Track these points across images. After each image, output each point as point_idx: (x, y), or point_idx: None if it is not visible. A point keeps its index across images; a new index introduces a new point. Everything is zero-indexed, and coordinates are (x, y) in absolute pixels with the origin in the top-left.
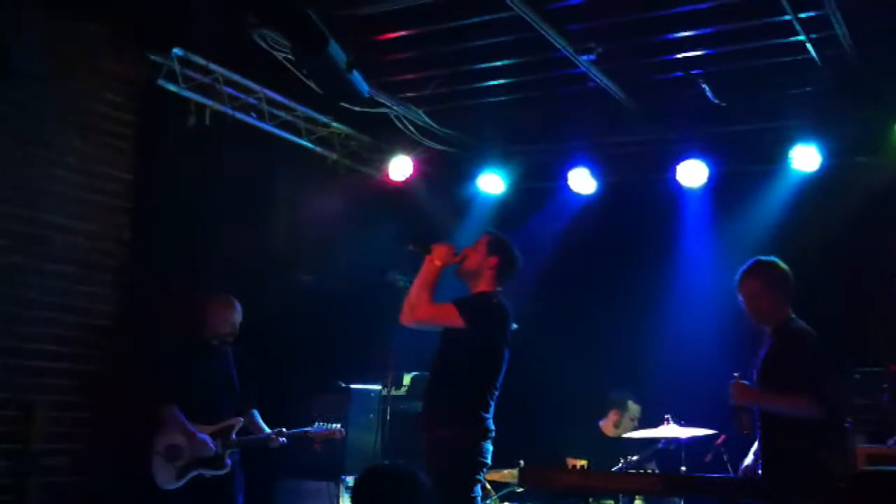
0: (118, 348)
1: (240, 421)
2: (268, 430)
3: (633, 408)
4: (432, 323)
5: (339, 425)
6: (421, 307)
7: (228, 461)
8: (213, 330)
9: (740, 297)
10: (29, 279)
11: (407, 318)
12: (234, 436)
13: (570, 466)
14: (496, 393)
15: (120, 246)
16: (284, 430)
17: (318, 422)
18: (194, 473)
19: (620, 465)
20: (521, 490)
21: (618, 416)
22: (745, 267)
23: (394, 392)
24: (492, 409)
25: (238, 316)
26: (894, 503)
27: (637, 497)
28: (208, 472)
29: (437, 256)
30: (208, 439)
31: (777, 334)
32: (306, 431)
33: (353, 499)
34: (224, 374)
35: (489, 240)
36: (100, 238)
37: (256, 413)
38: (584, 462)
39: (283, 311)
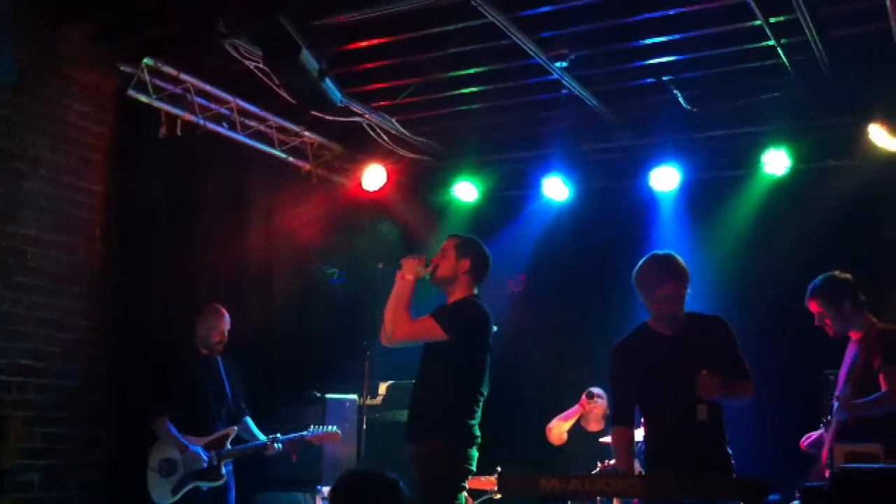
0: (93, 362)
1: (233, 430)
2: (263, 437)
3: (591, 393)
4: (414, 341)
5: (335, 427)
6: (399, 327)
7: (224, 472)
8: (202, 339)
9: (677, 294)
10: (2, 292)
11: (386, 339)
12: (228, 446)
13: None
14: (482, 399)
15: (93, 258)
16: (279, 435)
17: (313, 425)
18: (190, 486)
19: (599, 469)
20: (498, 497)
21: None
22: (669, 266)
23: (369, 401)
24: (478, 416)
25: (226, 323)
26: (874, 501)
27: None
28: (204, 485)
29: (408, 271)
30: (201, 451)
31: (697, 327)
32: (302, 436)
33: (333, 501)
34: (215, 384)
35: (456, 243)
36: (73, 251)
37: (249, 420)
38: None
39: (257, 322)
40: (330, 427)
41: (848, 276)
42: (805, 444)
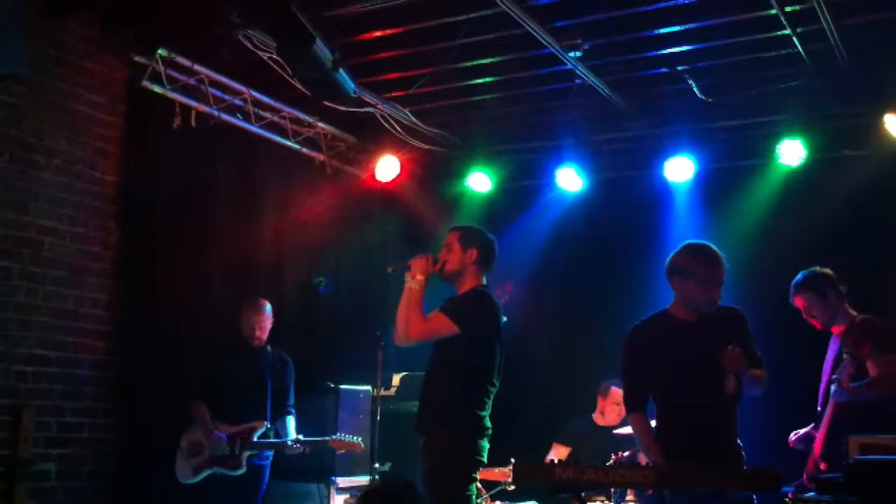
0: (107, 352)
1: (263, 423)
2: (291, 436)
3: (616, 392)
4: (429, 339)
5: (360, 438)
6: (413, 326)
7: (245, 463)
8: (241, 331)
9: (723, 280)
10: (17, 283)
11: (401, 340)
12: (255, 438)
13: (552, 455)
14: (493, 390)
15: (108, 249)
16: (301, 437)
17: (341, 432)
18: (209, 472)
19: (613, 461)
20: (512, 488)
21: (602, 402)
22: (717, 253)
23: (383, 392)
24: (488, 407)
25: (262, 318)
26: (890, 492)
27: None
28: (220, 471)
29: (418, 270)
30: (224, 438)
31: (716, 316)
32: (325, 441)
33: None
34: (253, 375)
35: (459, 234)
36: (88, 241)
37: (289, 420)
38: (567, 449)
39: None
40: (356, 438)
41: (828, 270)
42: (793, 441)
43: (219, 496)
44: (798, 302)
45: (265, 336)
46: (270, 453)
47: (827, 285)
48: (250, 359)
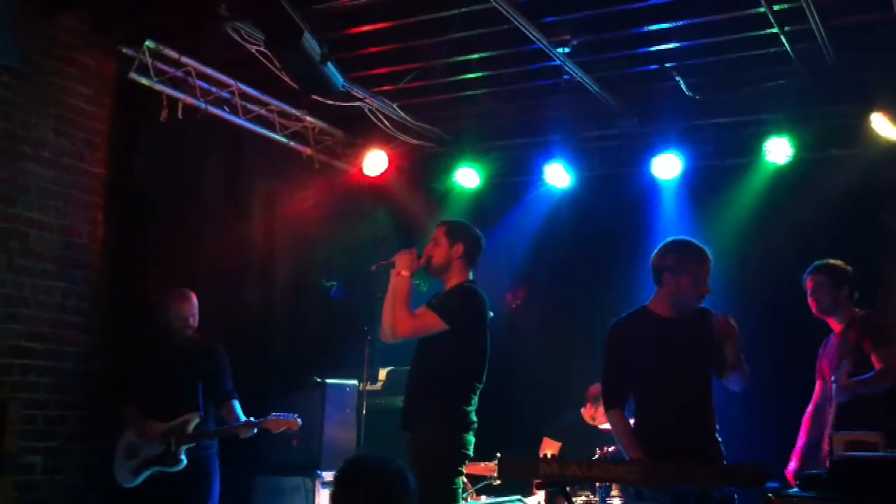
0: (94, 345)
1: (197, 415)
2: (244, 419)
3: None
4: (416, 335)
5: (295, 415)
6: (401, 324)
7: (183, 458)
8: (170, 324)
9: (708, 278)
10: (4, 275)
11: (388, 337)
12: (189, 430)
13: (544, 449)
14: (479, 386)
15: (94, 242)
16: (232, 423)
17: (274, 412)
18: (150, 472)
19: (598, 455)
20: (497, 482)
21: (593, 410)
22: (704, 249)
23: (369, 387)
24: (475, 402)
25: (189, 308)
26: (873, 489)
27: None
28: (159, 470)
29: (402, 266)
30: (157, 437)
31: (698, 316)
32: (262, 422)
33: (337, 486)
34: (186, 369)
35: (447, 229)
36: (74, 234)
37: (236, 403)
38: (558, 444)
39: (258, 307)
40: (291, 415)
41: (850, 269)
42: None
43: (164, 494)
44: (813, 280)
45: (196, 324)
46: (213, 443)
47: (845, 280)
48: (177, 351)
